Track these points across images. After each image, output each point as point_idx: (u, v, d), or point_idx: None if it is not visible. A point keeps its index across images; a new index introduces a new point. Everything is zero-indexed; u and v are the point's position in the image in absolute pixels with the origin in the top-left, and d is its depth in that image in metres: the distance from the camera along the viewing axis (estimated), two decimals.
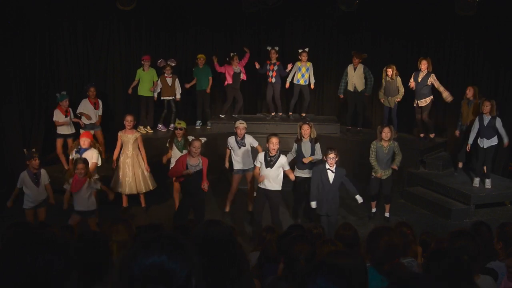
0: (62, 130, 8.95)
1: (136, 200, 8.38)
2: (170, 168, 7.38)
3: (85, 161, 6.73)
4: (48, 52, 9.82)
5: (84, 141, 7.41)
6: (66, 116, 8.94)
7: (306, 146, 7.83)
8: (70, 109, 9.06)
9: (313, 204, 7.00)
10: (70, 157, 7.63)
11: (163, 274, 1.40)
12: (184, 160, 6.83)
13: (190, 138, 7.42)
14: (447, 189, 8.58)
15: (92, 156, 7.33)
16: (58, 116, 8.88)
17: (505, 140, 8.23)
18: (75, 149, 7.47)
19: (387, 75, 9.34)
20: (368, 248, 3.03)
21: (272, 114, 10.69)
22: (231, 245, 2.38)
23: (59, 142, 9.01)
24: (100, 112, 9.41)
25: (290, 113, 10.65)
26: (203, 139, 7.36)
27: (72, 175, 6.61)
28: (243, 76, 10.35)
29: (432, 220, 8.17)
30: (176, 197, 8.10)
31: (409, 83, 9.22)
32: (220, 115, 10.67)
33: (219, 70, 10.24)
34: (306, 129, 7.80)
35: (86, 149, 7.39)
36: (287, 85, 10.31)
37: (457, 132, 9.04)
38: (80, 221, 6.67)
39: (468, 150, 8.52)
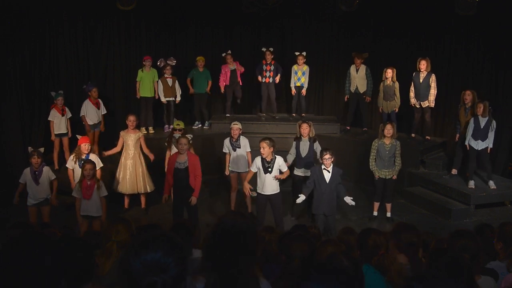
0: (57, 129, 8.93)
1: (137, 201, 8.37)
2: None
3: (92, 162, 6.77)
4: (48, 52, 9.81)
5: (85, 146, 7.39)
6: (62, 115, 8.92)
7: (304, 145, 7.88)
8: (66, 108, 9.05)
9: (300, 198, 6.93)
10: (69, 167, 7.49)
11: (159, 267, 1.62)
12: (174, 158, 6.85)
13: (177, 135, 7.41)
14: (447, 189, 8.58)
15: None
16: (54, 115, 8.87)
17: (490, 145, 8.18)
18: (77, 159, 7.33)
19: (386, 77, 9.27)
20: (358, 245, 3.48)
21: (263, 114, 10.52)
22: (254, 238, 2.37)
23: (57, 142, 9.01)
24: (103, 111, 9.39)
25: (294, 114, 10.62)
26: (189, 136, 7.34)
27: (81, 181, 6.61)
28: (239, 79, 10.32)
29: (432, 220, 8.16)
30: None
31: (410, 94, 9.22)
32: (227, 115, 10.55)
33: (222, 79, 10.21)
34: (305, 128, 7.84)
35: (88, 156, 7.34)
36: (293, 91, 10.24)
37: (457, 136, 8.77)
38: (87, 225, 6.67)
39: (468, 149, 8.47)
